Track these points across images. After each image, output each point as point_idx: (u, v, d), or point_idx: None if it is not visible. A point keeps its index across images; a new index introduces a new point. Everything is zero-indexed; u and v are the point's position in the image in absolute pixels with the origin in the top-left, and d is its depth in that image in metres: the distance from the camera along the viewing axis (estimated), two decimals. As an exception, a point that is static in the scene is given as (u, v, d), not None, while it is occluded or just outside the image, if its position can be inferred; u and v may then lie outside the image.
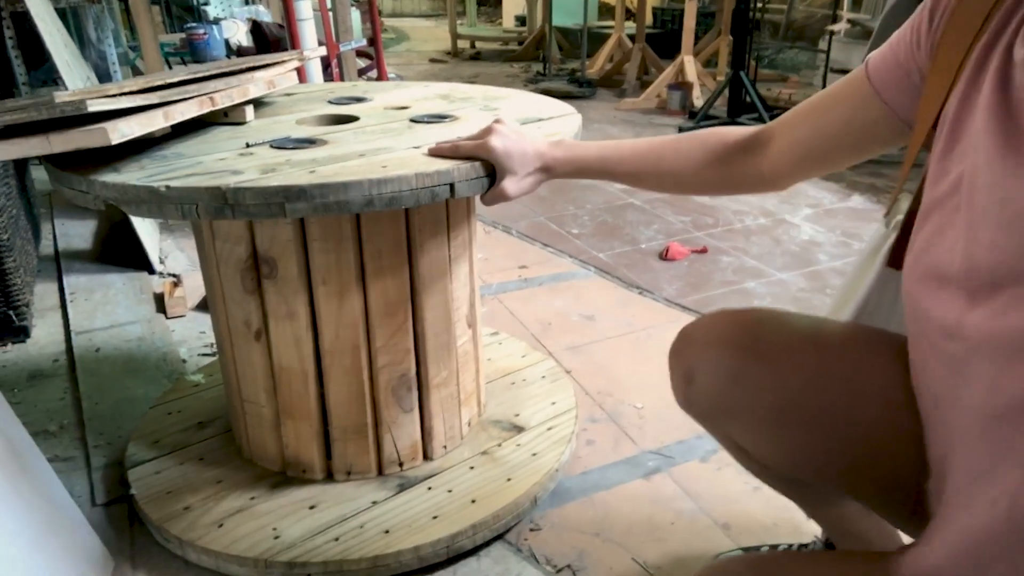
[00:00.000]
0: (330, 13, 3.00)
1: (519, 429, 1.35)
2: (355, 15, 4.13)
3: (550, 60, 5.48)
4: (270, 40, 2.68)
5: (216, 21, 3.91)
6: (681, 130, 3.80)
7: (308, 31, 2.53)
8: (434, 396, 1.21)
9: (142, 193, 0.82)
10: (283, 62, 1.35)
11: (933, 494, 0.63)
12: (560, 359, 1.74)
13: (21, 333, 1.78)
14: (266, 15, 4.29)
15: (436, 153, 0.92)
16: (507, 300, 2.04)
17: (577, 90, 4.77)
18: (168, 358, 1.72)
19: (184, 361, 1.73)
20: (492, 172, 0.91)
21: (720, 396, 0.75)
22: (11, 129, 0.79)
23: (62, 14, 3.34)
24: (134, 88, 0.88)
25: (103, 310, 1.94)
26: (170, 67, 3.72)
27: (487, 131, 0.91)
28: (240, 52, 3.09)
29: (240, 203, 0.81)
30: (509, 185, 0.90)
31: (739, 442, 0.80)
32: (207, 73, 1.07)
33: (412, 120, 1.16)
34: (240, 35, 3.87)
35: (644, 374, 1.68)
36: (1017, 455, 0.49)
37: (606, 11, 7.35)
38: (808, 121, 0.79)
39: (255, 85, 1.17)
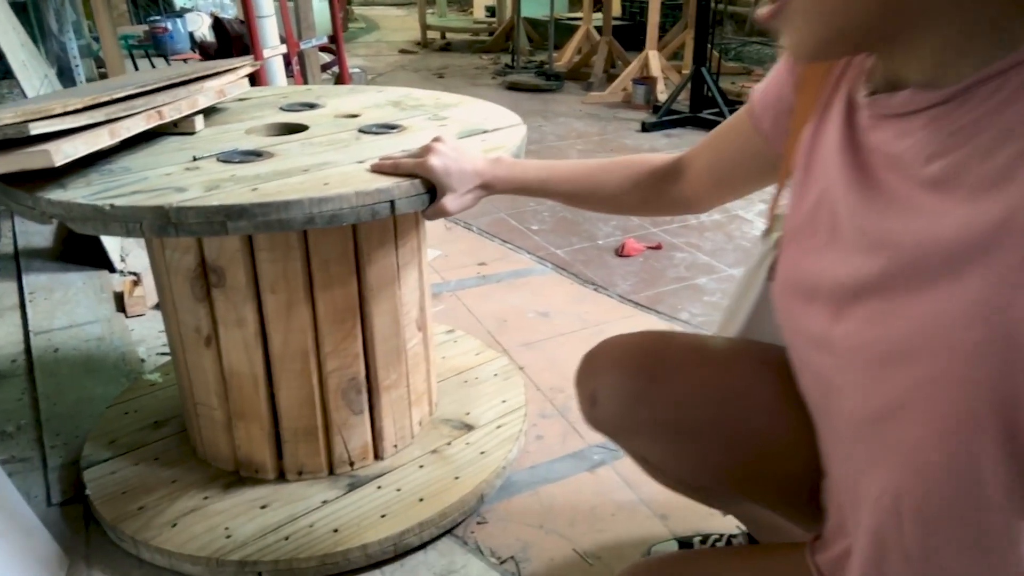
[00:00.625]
0: (290, 5, 3.01)
1: (469, 428, 1.39)
2: (320, 5, 4.12)
3: (519, 52, 5.50)
4: (232, 36, 2.68)
5: (181, 13, 3.89)
6: (644, 125, 3.86)
7: (269, 28, 2.53)
8: (384, 398, 1.26)
9: (87, 211, 0.85)
10: (236, 68, 1.37)
11: (827, 492, 0.68)
12: (514, 356, 1.79)
13: (-21, 334, 1.79)
14: (231, 8, 4.27)
15: (378, 170, 0.96)
16: (465, 297, 2.09)
17: (545, 83, 4.80)
18: (127, 357, 1.75)
19: (143, 360, 1.75)
20: (432, 188, 0.94)
21: (622, 416, 0.80)
22: (-44, 149, 0.81)
23: (22, 7, 3.31)
24: (79, 105, 0.91)
25: (63, 309, 1.95)
26: (133, 60, 3.70)
27: (427, 149, 0.95)
28: (203, 47, 3.09)
29: (183, 222, 0.84)
30: (449, 202, 0.94)
31: (645, 456, 0.86)
32: (156, 85, 1.10)
33: (360, 131, 1.20)
34: (204, 28, 3.86)
35: (595, 371, 1.73)
36: (892, 455, 0.53)
37: (576, 1, 7.39)
38: (711, 151, 0.85)
39: (204, 96, 1.19)
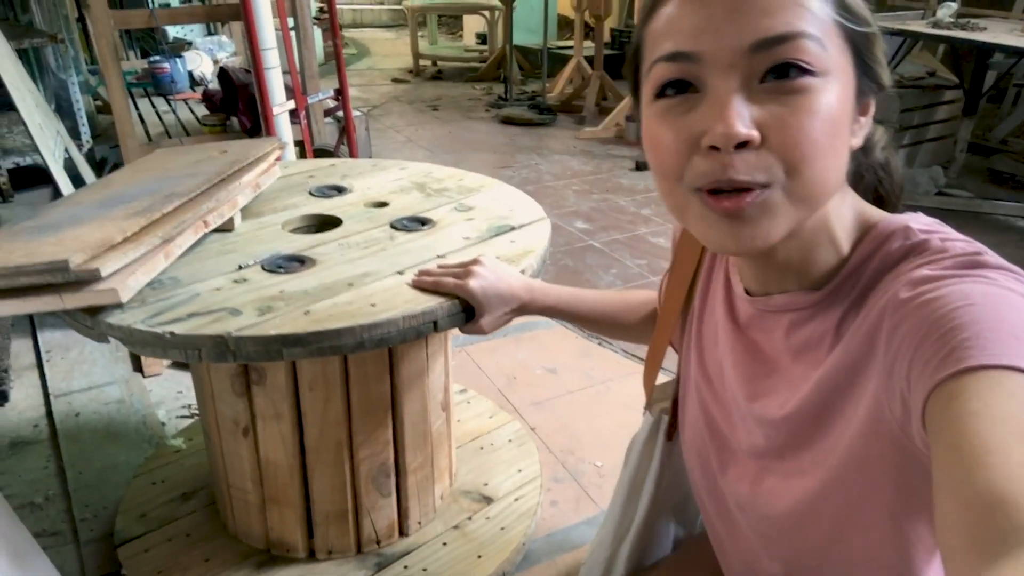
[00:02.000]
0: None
1: (488, 500, 1.45)
2: (316, 33, 4.16)
3: (511, 82, 5.58)
4: (237, 86, 2.73)
5: (177, 51, 3.91)
6: (638, 164, 3.94)
7: (275, 80, 2.58)
8: (411, 479, 1.31)
9: (148, 338, 0.90)
10: (266, 154, 1.42)
11: None
12: (525, 416, 1.85)
13: (1, 398, 1.82)
14: (228, 46, 4.31)
15: (419, 286, 1.02)
16: (474, 352, 2.14)
17: (538, 117, 4.88)
18: (147, 421, 1.79)
19: (163, 424, 1.79)
20: (470, 306, 1.00)
21: None
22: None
23: (24, 52, 3.33)
24: (136, 228, 0.96)
25: (80, 369, 1.98)
26: (133, 99, 3.72)
27: (468, 272, 1.01)
28: (206, 94, 3.13)
29: (241, 350, 0.89)
30: (486, 323, 1.00)
31: None
32: (198, 191, 1.15)
33: (392, 226, 1.25)
34: (204, 67, 3.89)
35: (602, 429, 1.80)
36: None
37: (566, 25, 7.49)
38: None
39: (243, 195, 1.25)
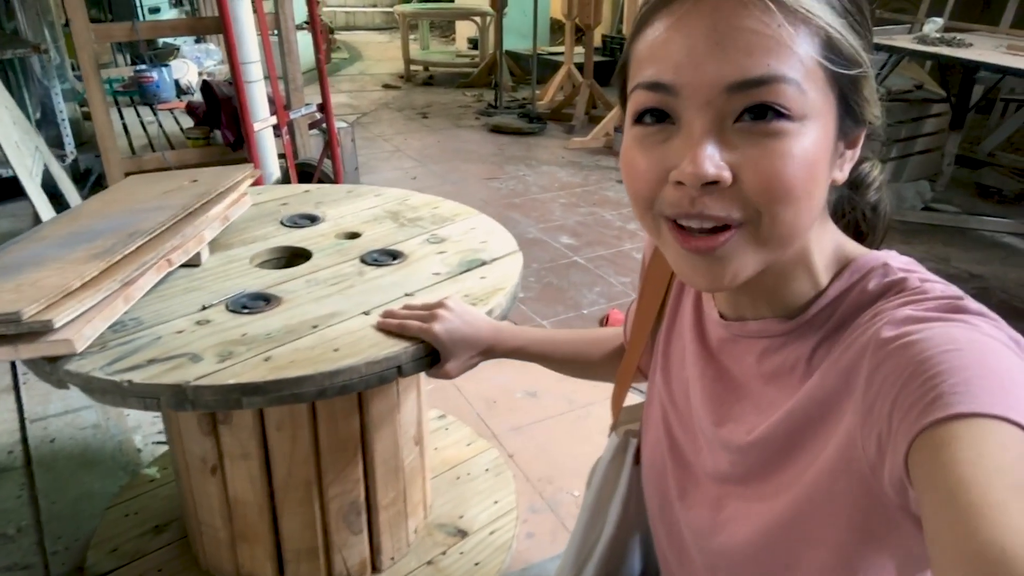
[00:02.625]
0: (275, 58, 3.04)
1: (463, 533, 1.44)
2: (302, 39, 4.13)
3: (501, 88, 5.57)
4: (220, 99, 2.71)
5: (164, 59, 3.90)
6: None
7: (258, 94, 2.56)
8: (383, 516, 1.30)
9: (106, 386, 0.89)
10: (238, 183, 1.41)
11: None
12: (504, 442, 1.84)
13: (-27, 423, 1.81)
14: (216, 54, 4.29)
15: (383, 328, 1.00)
16: (455, 374, 2.13)
17: (528, 126, 4.87)
18: (123, 447, 1.77)
19: (139, 451, 1.77)
20: (435, 350, 0.99)
21: None
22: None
23: (8, 63, 3.31)
24: (95, 272, 0.95)
25: (57, 392, 1.96)
26: (119, 107, 3.71)
27: (433, 315, 0.99)
28: (190, 106, 3.11)
29: (199, 399, 0.88)
30: (451, 367, 0.99)
31: None
32: (162, 228, 1.13)
33: (362, 260, 1.24)
34: (191, 75, 3.87)
35: (582, 456, 1.78)
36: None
37: (558, 28, 7.48)
38: None
39: (210, 228, 1.24)
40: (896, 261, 0.58)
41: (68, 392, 1.96)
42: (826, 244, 0.61)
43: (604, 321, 2.41)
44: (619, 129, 4.40)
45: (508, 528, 1.46)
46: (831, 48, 0.52)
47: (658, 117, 0.55)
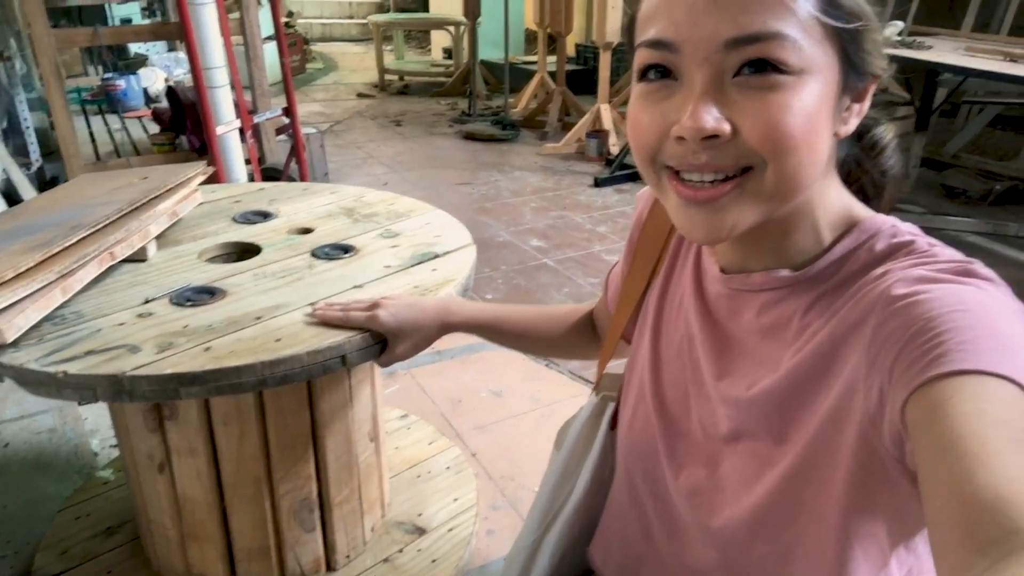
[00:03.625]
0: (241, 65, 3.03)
1: (421, 531, 1.42)
2: (268, 48, 4.11)
3: (475, 97, 5.58)
4: (185, 104, 2.69)
5: (134, 69, 3.87)
6: (597, 180, 3.95)
7: (223, 99, 2.55)
8: (336, 513, 1.28)
9: (41, 377, 0.87)
10: (189, 179, 1.40)
11: None
12: (467, 440, 1.83)
13: (-76, 430, 1.77)
14: (184, 63, 4.26)
15: (324, 321, 0.99)
16: (419, 375, 2.12)
17: (501, 133, 4.88)
18: (79, 451, 1.74)
19: (96, 454, 1.75)
20: (383, 338, 0.98)
21: None
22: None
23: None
24: (31, 264, 0.93)
25: (13, 397, 1.93)
26: (86, 116, 3.67)
27: (377, 303, 0.98)
28: (156, 112, 3.09)
29: (136, 389, 0.87)
30: (402, 351, 0.98)
31: None
32: (106, 221, 1.12)
33: (313, 254, 1.23)
34: (159, 83, 3.85)
35: (545, 454, 1.77)
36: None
37: (532, 38, 7.52)
38: (603, 310, 0.94)
39: (156, 223, 1.22)
40: (903, 225, 0.60)
41: (25, 395, 1.94)
42: (832, 201, 0.61)
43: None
44: (591, 135, 4.42)
45: (467, 525, 1.45)
46: (829, 2, 0.53)
47: (661, 73, 0.56)
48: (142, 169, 1.44)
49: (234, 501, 1.19)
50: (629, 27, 0.61)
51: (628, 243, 0.86)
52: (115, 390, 0.87)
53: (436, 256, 1.24)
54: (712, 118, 0.52)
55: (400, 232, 1.34)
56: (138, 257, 1.20)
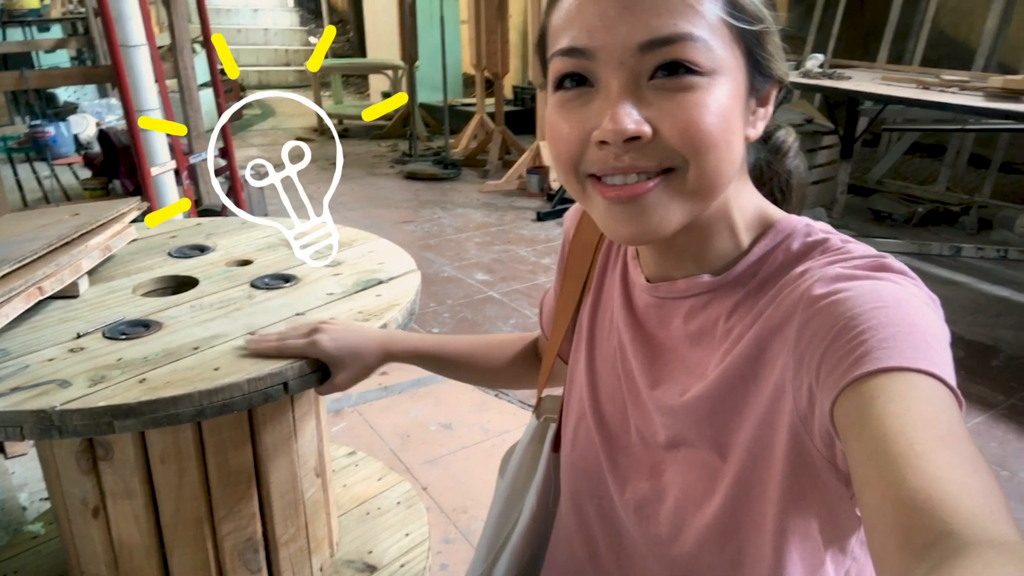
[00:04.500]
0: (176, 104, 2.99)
1: (372, 569, 1.38)
2: (205, 95, 4.07)
3: (416, 138, 5.61)
4: (118, 148, 2.64)
5: (64, 116, 3.78)
6: (539, 214, 4.00)
7: (158, 142, 2.51)
8: (283, 553, 1.24)
9: (-39, 416, 0.83)
10: (122, 214, 1.36)
11: None
12: (418, 475, 1.79)
13: None
14: (117, 108, 4.19)
15: (258, 353, 0.95)
16: (367, 412, 2.09)
17: (442, 172, 4.92)
18: (6, 507, 1.65)
19: (24, 508, 1.66)
20: (324, 365, 0.96)
21: None
22: None
23: None
24: (-46, 299, 0.89)
25: (-69, 455, 1.82)
26: (12, 164, 3.56)
27: (316, 329, 0.96)
28: (87, 157, 3.02)
29: (67, 424, 0.83)
30: (343, 379, 0.95)
31: None
32: (34, 256, 1.08)
33: (252, 285, 1.21)
34: (90, 130, 3.77)
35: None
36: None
37: (471, 83, 7.64)
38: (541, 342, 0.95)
39: (88, 258, 1.18)
40: (816, 224, 0.62)
41: (-55, 454, 1.83)
42: (747, 204, 0.63)
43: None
44: (532, 171, 4.48)
45: (420, 560, 1.41)
46: (734, 5, 0.55)
47: (577, 81, 0.57)
48: (73, 207, 1.40)
49: (174, 544, 1.14)
50: (540, 41, 0.62)
51: (559, 262, 0.86)
52: (44, 426, 0.83)
53: (380, 282, 1.23)
54: (632, 120, 0.53)
55: (343, 261, 1.33)
56: (69, 293, 1.15)
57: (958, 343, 2.61)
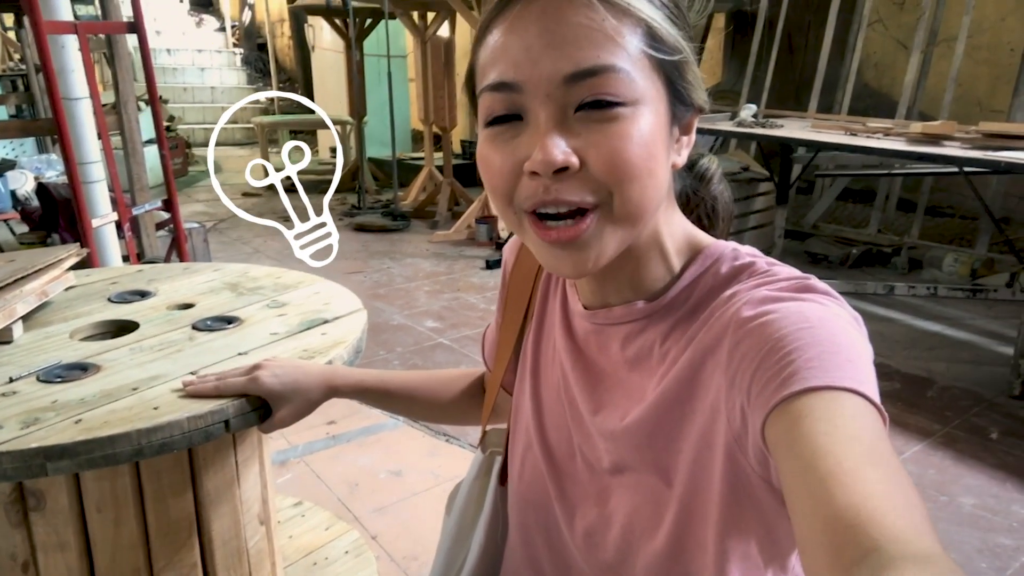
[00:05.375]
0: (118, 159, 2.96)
1: (321, 618, 1.35)
2: (152, 157, 4.05)
3: (364, 191, 5.64)
4: (58, 201, 2.60)
5: (1, 171, 3.70)
6: (488, 263, 4.03)
7: (99, 193, 2.48)
8: (226, 603, 1.20)
9: None
10: (60, 261, 1.34)
11: None
12: (367, 524, 1.76)
13: None
14: (58, 164, 4.13)
15: (196, 394, 0.93)
16: (314, 462, 2.04)
17: (392, 223, 4.93)
18: (-72, 574, 1.56)
19: (-52, 575, 1.57)
20: (265, 403, 0.95)
21: None
22: None
23: None
24: None
25: None
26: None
27: (256, 366, 0.95)
28: (26, 213, 2.96)
29: (-5, 467, 0.80)
30: (285, 414, 0.94)
31: None
32: (-32, 301, 1.06)
33: (194, 327, 1.19)
34: (29, 185, 3.69)
35: (451, 531, 1.74)
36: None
37: (419, 138, 7.72)
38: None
39: (23, 303, 1.16)
40: (742, 248, 0.64)
41: None
42: (676, 230, 0.65)
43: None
44: (481, 221, 4.53)
45: (369, 607, 1.38)
46: (653, 37, 0.58)
47: (506, 116, 0.59)
48: (7, 254, 1.37)
49: (110, 598, 1.09)
50: (469, 78, 0.65)
51: (500, 296, 0.88)
52: (-30, 470, 0.80)
53: (326, 322, 1.23)
54: (560, 151, 0.55)
55: (288, 302, 1.32)
56: (2, 339, 1.13)
57: (895, 376, 2.70)
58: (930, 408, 2.45)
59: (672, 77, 0.60)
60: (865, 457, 0.43)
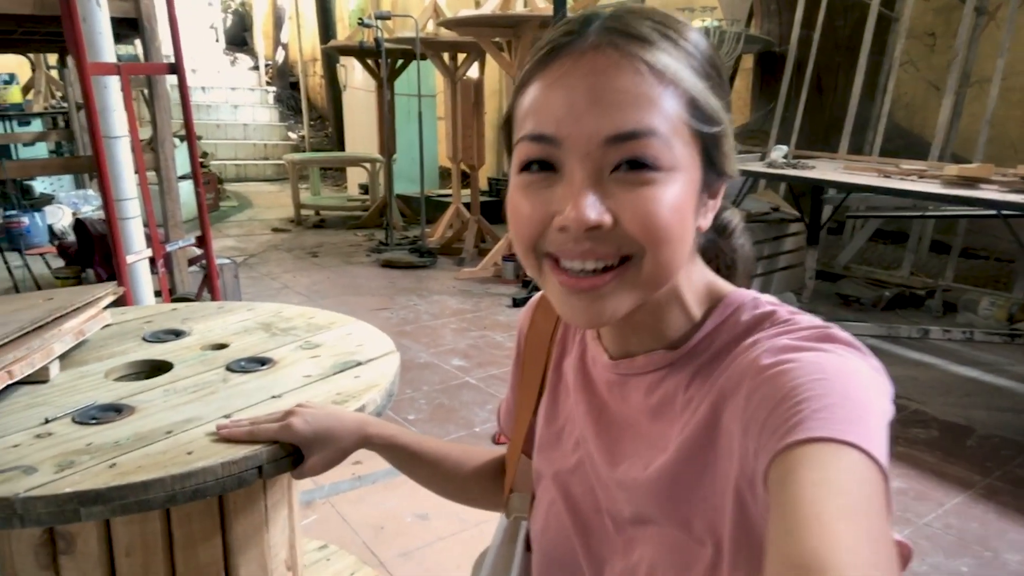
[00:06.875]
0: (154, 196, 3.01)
1: (346, 668, 1.32)
2: (185, 190, 4.10)
3: (392, 228, 5.68)
4: (94, 237, 2.64)
5: (39, 207, 3.78)
6: (515, 301, 4.02)
7: (135, 230, 2.52)
8: (251, 651, 1.17)
9: (-82, 506, 0.79)
10: (97, 300, 1.35)
11: None
12: (392, 568, 1.73)
13: None
14: (95, 199, 4.21)
15: (231, 439, 0.93)
16: (339, 503, 2.02)
17: (418, 260, 4.96)
18: (-46, 611, 1.55)
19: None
20: (297, 449, 0.94)
21: None
22: None
23: None
24: (-81, 383, 0.87)
25: None
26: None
27: (290, 412, 0.95)
28: (63, 247, 3.01)
29: (29, 513, 0.80)
30: (317, 462, 0.93)
31: None
32: (6, 339, 1.06)
33: (228, 368, 1.19)
34: (65, 219, 3.77)
35: None
36: None
37: (447, 175, 7.81)
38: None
39: (61, 342, 1.17)
40: (763, 296, 0.64)
41: None
42: (696, 280, 0.65)
43: (497, 438, 2.38)
44: (507, 259, 4.54)
45: (396, 657, 1.35)
46: (695, 107, 0.58)
47: (542, 166, 0.59)
48: (46, 292, 1.39)
49: (136, 644, 1.08)
50: (507, 123, 0.65)
51: (515, 358, 0.88)
52: (4, 515, 0.80)
53: (359, 364, 1.22)
54: (595, 211, 0.56)
55: (320, 343, 1.32)
56: (39, 378, 1.13)
57: (932, 423, 2.62)
58: (970, 458, 2.37)
59: (709, 147, 0.60)
60: (845, 510, 0.43)
